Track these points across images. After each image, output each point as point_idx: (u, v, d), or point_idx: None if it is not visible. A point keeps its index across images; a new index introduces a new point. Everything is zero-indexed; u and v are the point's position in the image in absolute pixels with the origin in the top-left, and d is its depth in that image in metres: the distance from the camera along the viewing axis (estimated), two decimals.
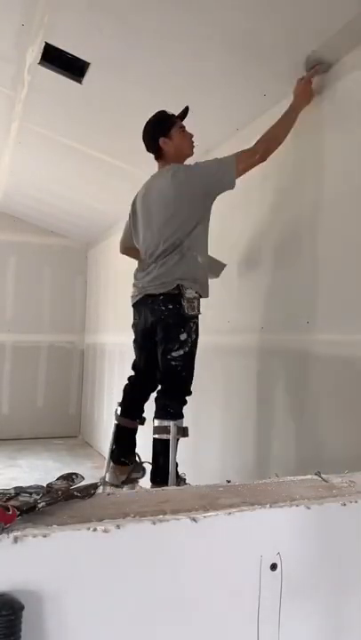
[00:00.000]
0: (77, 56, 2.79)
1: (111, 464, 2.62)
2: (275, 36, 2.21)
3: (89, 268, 6.65)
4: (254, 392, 2.74)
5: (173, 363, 2.36)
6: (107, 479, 2.61)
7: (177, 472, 2.37)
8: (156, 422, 2.36)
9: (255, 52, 2.33)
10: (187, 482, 2.41)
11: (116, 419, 2.65)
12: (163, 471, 2.30)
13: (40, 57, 2.84)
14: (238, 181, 2.38)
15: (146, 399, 2.65)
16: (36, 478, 4.15)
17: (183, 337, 2.34)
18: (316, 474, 1.48)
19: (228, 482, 1.39)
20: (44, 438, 6.24)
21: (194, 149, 2.59)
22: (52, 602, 0.96)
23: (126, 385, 2.70)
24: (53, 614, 0.96)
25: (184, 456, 3.45)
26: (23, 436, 6.19)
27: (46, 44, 2.72)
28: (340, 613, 1.27)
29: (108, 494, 1.23)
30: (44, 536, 0.95)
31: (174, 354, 2.35)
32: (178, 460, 2.35)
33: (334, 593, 1.26)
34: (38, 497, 1.06)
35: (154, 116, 2.53)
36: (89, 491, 1.18)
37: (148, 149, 2.57)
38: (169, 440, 2.30)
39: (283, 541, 1.18)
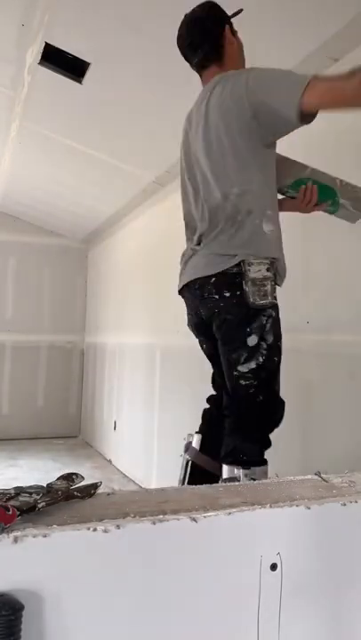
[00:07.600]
0: (77, 56, 2.79)
1: None
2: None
3: (89, 268, 6.65)
4: None
5: (243, 382, 1.60)
6: None
7: None
8: (225, 470, 1.63)
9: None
10: None
11: (189, 453, 1.81)
12: None
13: (40, 57, 2.84)
14: None
15: None
16: (36, 478, 4.15)
17: (252, 341, 1.57)
18: (316, 474, 1.48)
19: None
20: (43, 438, 6.24)
21: None
22: (52, 602, 0.95)
23: (206, 409, 1.88)
24: (53, 614, 0.96)
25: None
26: (23, 436, 6.18)
27: (46, 44, 2.72)
28: (341, 613, 1.26)
29: (108, 494, 1.23)
30: (44, 536, 0.95)
31: (242, 368, 1.59)
32: None
33: (335, 593, 1.25)
34: (38, 497, 1.06)
35: (202, 5, 1.71)
36: (89, 491, 1.18)
37: (196, 52, 1.71)
38: None
39: (283, 541, 1.18)
